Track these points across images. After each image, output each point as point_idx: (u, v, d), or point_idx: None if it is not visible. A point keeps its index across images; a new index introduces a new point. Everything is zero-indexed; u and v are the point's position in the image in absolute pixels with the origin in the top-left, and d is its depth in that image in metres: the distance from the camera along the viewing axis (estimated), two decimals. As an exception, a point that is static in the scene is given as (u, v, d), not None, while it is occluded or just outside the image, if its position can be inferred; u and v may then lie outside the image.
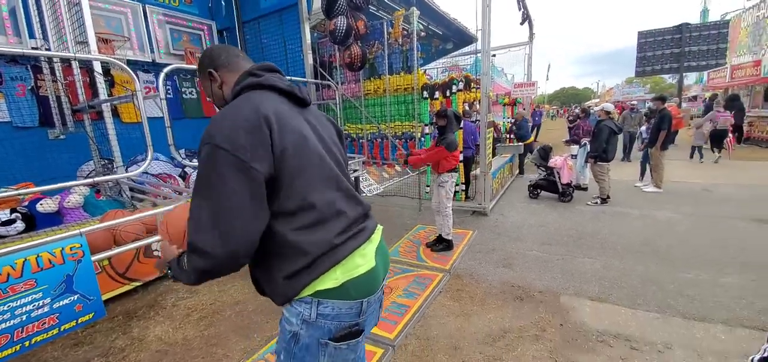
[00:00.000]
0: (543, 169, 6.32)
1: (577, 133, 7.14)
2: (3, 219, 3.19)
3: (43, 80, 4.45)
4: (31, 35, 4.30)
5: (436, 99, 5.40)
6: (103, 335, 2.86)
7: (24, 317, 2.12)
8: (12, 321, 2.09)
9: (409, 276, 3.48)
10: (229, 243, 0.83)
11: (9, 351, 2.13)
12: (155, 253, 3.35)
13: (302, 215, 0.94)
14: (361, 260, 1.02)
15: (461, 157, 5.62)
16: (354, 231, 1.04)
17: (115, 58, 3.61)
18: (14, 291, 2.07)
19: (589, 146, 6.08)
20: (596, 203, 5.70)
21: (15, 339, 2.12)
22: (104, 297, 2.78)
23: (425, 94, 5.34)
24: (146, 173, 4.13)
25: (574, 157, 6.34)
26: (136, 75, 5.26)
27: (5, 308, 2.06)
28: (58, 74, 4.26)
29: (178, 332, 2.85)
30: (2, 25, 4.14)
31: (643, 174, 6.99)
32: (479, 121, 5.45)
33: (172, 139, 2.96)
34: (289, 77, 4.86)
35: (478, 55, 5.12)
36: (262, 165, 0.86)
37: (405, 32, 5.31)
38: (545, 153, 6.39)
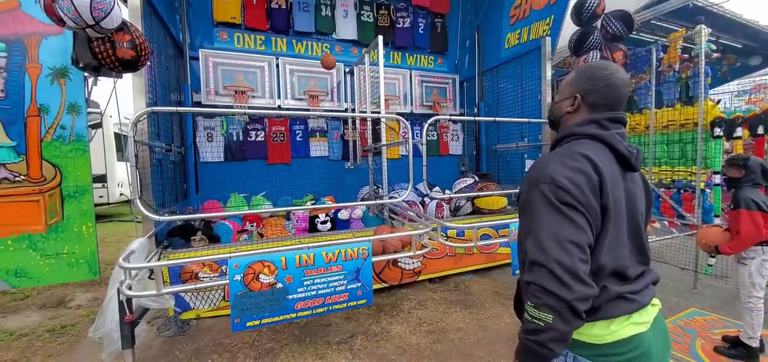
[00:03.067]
0: None
1: None
2: (322, 220, 4.84)
3: (347, 129, 6.52)
4: (345, 100, 6.44)
5: (738, 137, 3.88)
6: (365, 318, 3.75)
7: (331, 289, 3.13)
8: (326, 290, 3.14)
9: (680, 374, 2.59)
10: (565, 273, 0.82)
11: (321, 310, 3.19)
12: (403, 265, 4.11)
13: (594, 268, 0.94)
14: (629, 327, 0.95)
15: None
16: (629, 295, 0.96)
17: (390, 114, 4.84)
18: (331, 271, 3.11)
19: None
20: None
21: (325, 302, 3.16)
22: (369, 290, 3.69)
23: (718, 130, 3.95)
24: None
25: None
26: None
27: (324, 280, 3.12)
28: (357, 125, 6.13)
29: (413, 337, 3.34)
30: (332, 95, 6.42)
31: None
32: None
33: (426, 175, 3.62)
34: (523, 120, 4.87)
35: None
36: (591, 213, 0.90)
37: (685, 56, 4.19)
38: None
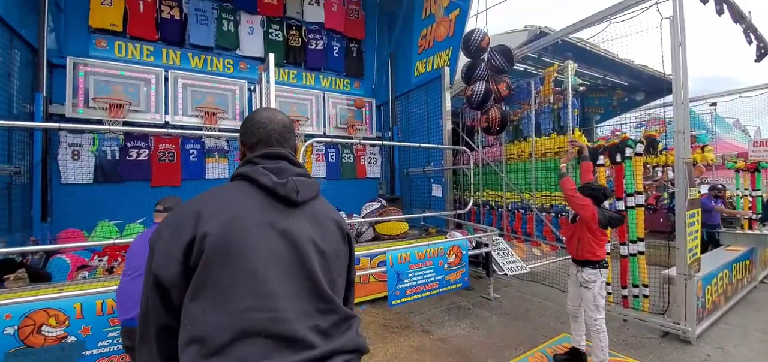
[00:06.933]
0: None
1: None
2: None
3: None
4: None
5: (602, 165, 4.20)
6: None
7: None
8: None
9: (530, 405, 2.53)
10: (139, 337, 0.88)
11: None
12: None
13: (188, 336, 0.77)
14: None
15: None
16: None
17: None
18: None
19: None
20: None
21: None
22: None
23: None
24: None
25: None
26: (312, 146, 6.56)
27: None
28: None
29: None
30: (234, 113, 5.98)
31: None
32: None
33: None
34: (427, 145, 4.89)
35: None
36: (168, 274, 0.80)
37: (557, 89, 4.51)
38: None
